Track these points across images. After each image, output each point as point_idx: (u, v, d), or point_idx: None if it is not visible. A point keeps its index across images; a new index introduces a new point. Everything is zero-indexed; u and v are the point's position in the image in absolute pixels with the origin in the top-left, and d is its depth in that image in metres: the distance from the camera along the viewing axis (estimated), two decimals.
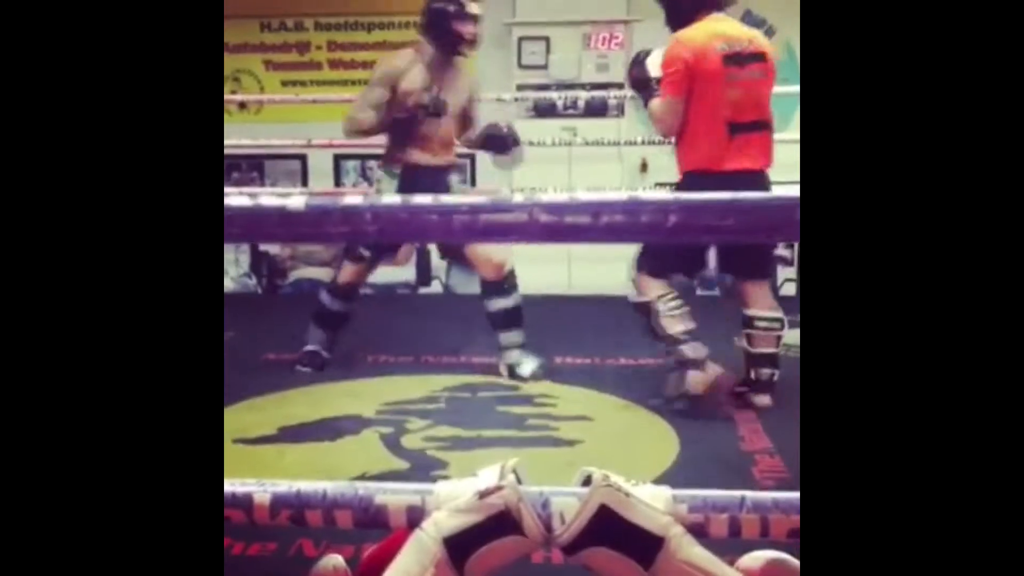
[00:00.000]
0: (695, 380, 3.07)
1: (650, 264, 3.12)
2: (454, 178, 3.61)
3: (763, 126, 3.08)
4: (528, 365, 3.56)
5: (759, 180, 3.04)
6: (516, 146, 3.58)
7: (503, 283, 3.54)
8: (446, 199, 0.96)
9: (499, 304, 3.56)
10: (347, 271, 3.67)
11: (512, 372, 3.57)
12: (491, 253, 3.50)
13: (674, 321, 3.08)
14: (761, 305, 3.14)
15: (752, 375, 3.18)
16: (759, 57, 3.07)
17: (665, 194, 0.92)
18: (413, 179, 3.46)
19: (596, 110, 5.29)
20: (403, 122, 3.41)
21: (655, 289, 3.09)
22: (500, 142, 3.56)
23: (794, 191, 0.90)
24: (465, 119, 3.64)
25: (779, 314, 3.14)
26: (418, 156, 3.48)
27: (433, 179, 3.45)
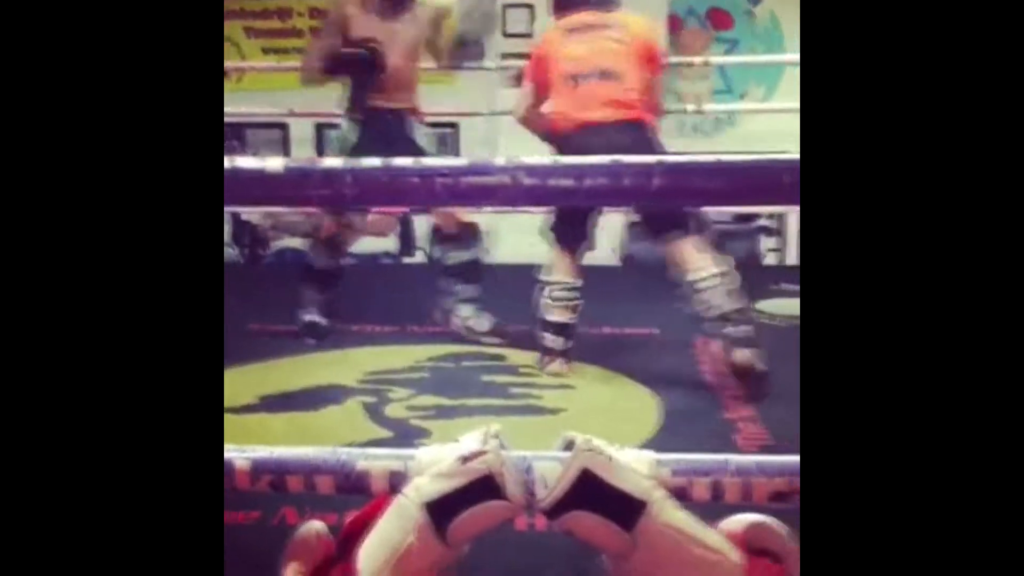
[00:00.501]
0: (556, 365, 3.25)
1: (554, 235, 3.20)
2: (420, 128, 3.61)
3: (610, 75, 3.08)
4: (484, 321, 3.60)
5: (626, 130, 3.02)
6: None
7: (460, 235, 3.59)
8: (428, 162, 0.95)
9: (457, 257, 3.60)
10: (330, 219, 3.67)
11: (467, 328, 3.61)
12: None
13: (548, 309, 3.20)
14: (698, 263, 2.98)
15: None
16: (614, 28, 3.12)
17: (649, 157, 0.91)
18: (371, 123, 3.50)
19: None
20: (354, 70, 3.43)
21: (556, 268, 3.20)
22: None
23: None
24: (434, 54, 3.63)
25: (722, 268, 2.99)
26: (374, 99, 3.50)
27: (390, 122, 3.49)
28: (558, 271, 3.21)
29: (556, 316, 3.20)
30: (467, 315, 3.61)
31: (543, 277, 3.22)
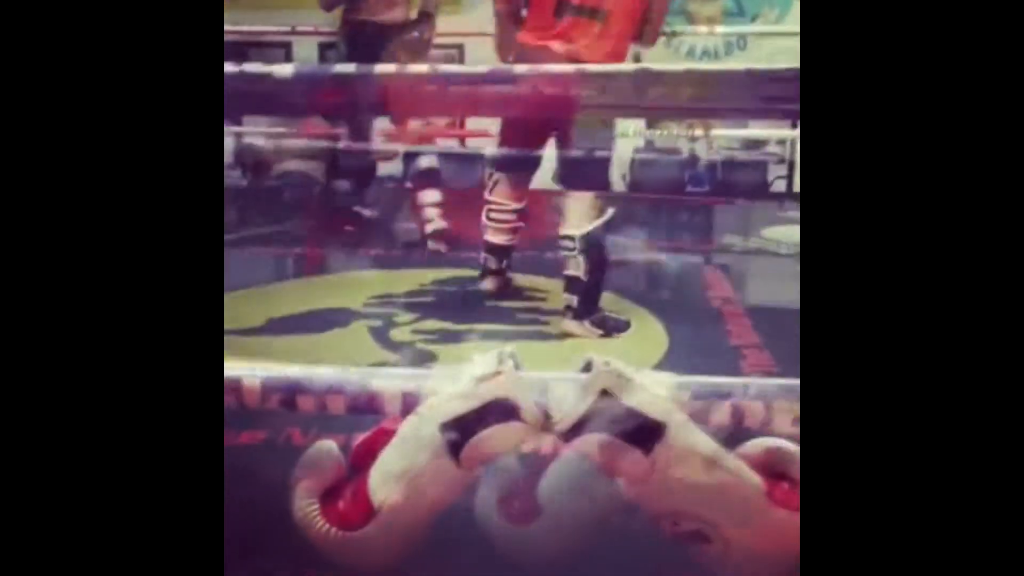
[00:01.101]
0: (487, 282, 3.24)
1: (499, 161, 3.14)
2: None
3: (596, 14, 2.84)
4: (435, 224, 3.78)
5: None
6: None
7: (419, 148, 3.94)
8: (445, 68, 0.90)
9: (416, 167, 3.92)
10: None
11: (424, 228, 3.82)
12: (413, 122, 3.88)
13: (488, 232, 3.18)
14: (575, 221, 2.89)
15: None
16: None
17: (678, 65, 0.86)
18: (356, 35, 3.57)
19: None
20: None
21: (497, 189, 3.14)
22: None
23: None
24: None
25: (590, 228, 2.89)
26: (360, 12, 3.55)
27: (374, 36, 3.54)
28: (499, 192, 3.14)
29: (491, 237, 3.18)
30: (427, 218, 3.80)
31: (486, 195, 3.17)
